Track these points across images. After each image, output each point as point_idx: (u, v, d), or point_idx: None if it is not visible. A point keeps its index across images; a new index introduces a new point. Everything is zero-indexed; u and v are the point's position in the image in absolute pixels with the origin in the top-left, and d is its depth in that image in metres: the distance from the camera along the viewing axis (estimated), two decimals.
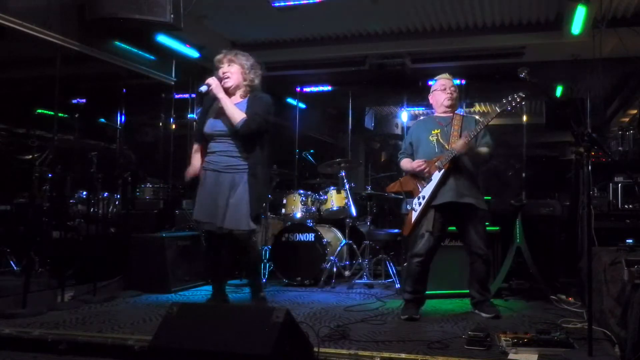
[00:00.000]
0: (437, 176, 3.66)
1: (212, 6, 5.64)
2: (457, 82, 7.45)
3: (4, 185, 5.58)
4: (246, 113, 3.61)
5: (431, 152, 3.76)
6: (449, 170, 3.64)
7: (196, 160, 3.86)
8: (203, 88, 3.65)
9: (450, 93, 3.88)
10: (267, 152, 3.78)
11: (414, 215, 3.77)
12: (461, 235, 3.82)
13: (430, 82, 4.24)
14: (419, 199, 3.76)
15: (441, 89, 3.91)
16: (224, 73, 3.70)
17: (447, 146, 3.69)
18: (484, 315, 3.69)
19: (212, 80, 3.65)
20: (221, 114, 3.69)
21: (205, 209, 3.66)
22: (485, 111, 10.02)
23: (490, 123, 3.62)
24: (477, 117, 4.04)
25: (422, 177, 3.77)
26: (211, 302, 3.88)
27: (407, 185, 3.90)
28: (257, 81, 3.81)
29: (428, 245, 3.66)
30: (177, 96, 6.96)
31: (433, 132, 3.80)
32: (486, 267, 3.75)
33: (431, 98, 4.00)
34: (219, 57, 3.77)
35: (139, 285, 4.67)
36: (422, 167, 3.72)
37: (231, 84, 3.71)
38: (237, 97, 3.75)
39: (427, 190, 3.71)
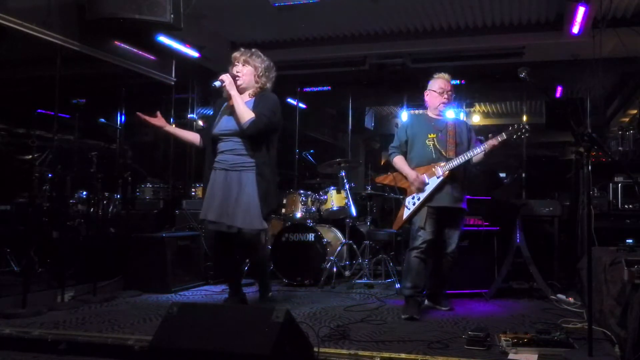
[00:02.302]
0: (435, 181, 3.77)
1: (212, 6, 5.64)
2: (457, 82, 7.57)
3: (4, 185, 5.57)
4: (253, 112, 3.59)
5: (428, 156, 3.84)
6: (447, 177, 3.75)
7: (179, 130, 4.07)
8: (217, 83, 3.65)
9: (448, 98, 3.95)
10: (274, 152, 3.75)
11: (406, 212, 3.86)
12: (443, 235, 3.86)
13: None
14: (413, 198, 3.84)
15: (439, 92, 3.93)
16: (237, 72, 3.70)
17: (444, 153, 3.80)
18: (442, 308, 3.95)
19: (225, 77, 3.64)
20: (229, 113, 3.68)
21: (214, 208, 3.61)
22: (486, 111, 10.02)
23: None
24: (465, 120, 4.09)
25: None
26: (229, 301, 3.84)
27: (402, 183, 3.95)
28: (269, 85, 3.80)
29: (426, 238, 3.74)
30: (177, 96, 6.97)
31: (429, 135, 3.87)
32: (453, 265, 3.93)
33: (427, 96, 4.03)
34: (236, 54, 3.78)
35: (139, 285, 4.67)
36: (421, 183, 3.77)
37: (241, 83, 3.70)
38: (246, 96, 3.73)
39: (423, 193, 3.79)
